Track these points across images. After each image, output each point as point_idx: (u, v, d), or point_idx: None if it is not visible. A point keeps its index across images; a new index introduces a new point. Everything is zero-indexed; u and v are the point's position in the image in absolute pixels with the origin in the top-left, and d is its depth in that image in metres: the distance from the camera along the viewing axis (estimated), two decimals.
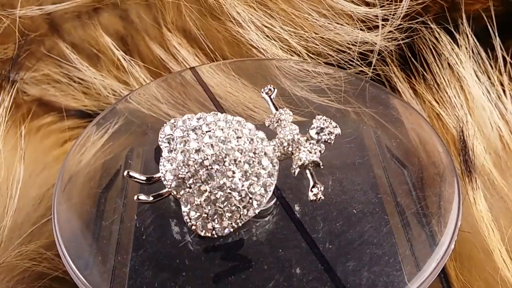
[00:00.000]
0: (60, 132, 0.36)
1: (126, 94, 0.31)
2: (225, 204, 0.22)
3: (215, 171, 0.23)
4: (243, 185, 0.23)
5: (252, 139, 0.24)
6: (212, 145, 0.23)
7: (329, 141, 0.23)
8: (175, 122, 0.24)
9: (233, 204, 0.22)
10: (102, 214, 0.25)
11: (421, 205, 0.25)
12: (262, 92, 0.26)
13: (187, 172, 0.23)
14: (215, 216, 0.22)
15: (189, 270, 0.23)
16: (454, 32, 0.36)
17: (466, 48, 0.35)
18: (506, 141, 0.32)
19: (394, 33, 0.35)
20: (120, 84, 0.37)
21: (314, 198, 0.22)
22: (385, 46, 0.35)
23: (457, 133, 0.32)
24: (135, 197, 0.23)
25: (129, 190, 0.26)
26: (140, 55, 0.38)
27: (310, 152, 0.23)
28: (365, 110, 0.30)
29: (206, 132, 0.24)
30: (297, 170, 0.23)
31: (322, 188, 0.22)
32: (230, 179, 0.23)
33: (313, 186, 0.22)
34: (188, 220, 0.23)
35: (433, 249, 0.23)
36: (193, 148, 0.23)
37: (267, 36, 0.35)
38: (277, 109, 0.25)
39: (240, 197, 0.22)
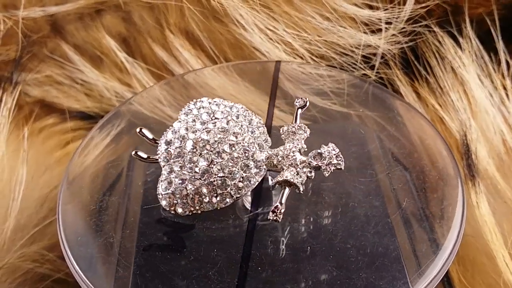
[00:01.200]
0: (62, 133, 0.36)
1: (130, 97, 0.31)
2: (199, 188, 0.23)
3: (205, 153, 0.23)
4: (225, 173, 0.23)
5: (253, 131, 0.24)
6: (210, 131, 0.24)
7: (325, 171, 0.23)
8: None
9: (207, 190, 0.23)
10: (106, 215, 0.25)
11: (424, 209, 0.25)
12: (295, 102, 0.26)
13: (176, 148, 0.23)
14: (183, 198, 0.23)
15: (192, 271, 0.23)
16: (457, 36, 0.36)
17: (469, 51, 0.35)
18: (509, 145, 0.32)
19: (398, 36, 0.35)
20: (122, 86, 0.37)
21: (272, 217, 0.22)
22: (388, 49, 0.35)
23: (460, 137, 0.32)
24: (133, 152, 0.24)
25: (132, 191, 0.26)
26: (143, 57, 0.38)
27: (297, 174, 0.23)
28: (368, 113, 0.30)
29: (214, 119, 0.24)
30: (273, 184, 0.23)
31: (283, 211, 0.22)
32: (215, 164, 0.23)
33: (276, 207, 0.22)
34: (159, 192, 0.23)
35: (436, 253, 0.23)
36: (196, 129, 0.24)
37: (270, 38, 0.35)
38: (296, 122, 0.25)
39: (219, 184, 0.23)
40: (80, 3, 0.36)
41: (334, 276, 0.22)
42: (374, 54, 0.35)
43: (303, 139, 0.24)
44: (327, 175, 0.23)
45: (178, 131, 0.24)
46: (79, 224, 0.25)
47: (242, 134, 0.24)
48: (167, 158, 0.24)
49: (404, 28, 0.35)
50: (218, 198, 0.23)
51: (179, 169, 0.23)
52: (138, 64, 0.37)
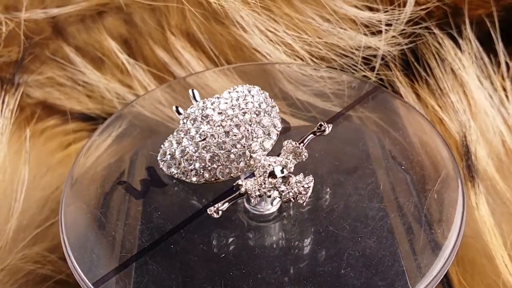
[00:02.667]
0: (64, 135, 0.36)
1: (132, 100, 0.31)
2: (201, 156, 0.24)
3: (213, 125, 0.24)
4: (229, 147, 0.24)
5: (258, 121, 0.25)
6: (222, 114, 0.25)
7: (284, 198, 0.23)
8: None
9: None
10: (107, 217, 0.25)
11: (424, 210, 0.25)
12: (317, 126, 0.25)
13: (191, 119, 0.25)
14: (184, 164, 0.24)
15: (194, 273, 0.23)
16: (457, 37, 0.36)
17: (469, 53, 0.35)
18: (509, 146, 0.33)
19: (398, 38, 0.35)
20: (124, 88, 0.37)
21: (209, 212, 0.23)
22: (389, 51, 0.35)
23: (459, 138, 0.32)
24: (174, 107, 0.26)
25: (133, 193, 0.27)
26: (144, 58, 0.38)
27: (258, 187, 0.23)
28: (368, 114, 0.30)
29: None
30: (235, 185, 0.23)
31: (220, 213, 0.23)
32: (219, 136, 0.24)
33: (217, 206, 0.23)
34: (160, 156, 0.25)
35: (436, 254, 0.23)
36: (207, 113, 0.25)
37: (271, 40, 0.35)
38: (301, 143, 0.25)
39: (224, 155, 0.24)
40: (82, 5, 0.36)
41: (333, 277, 0.23)
42: (375, 56, 0.35)
43: (294, 161, 0.24)
44: (284, 201, 0.23)
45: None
46: (81, 226, 0.25)
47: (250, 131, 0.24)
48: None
49: (404, 30, 0.35)
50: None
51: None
52: (139, 66, 0.37)
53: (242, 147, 0.24)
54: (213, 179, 0.24)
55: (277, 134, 0.25)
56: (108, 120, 0.30)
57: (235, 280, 0.23)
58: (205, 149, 0.24)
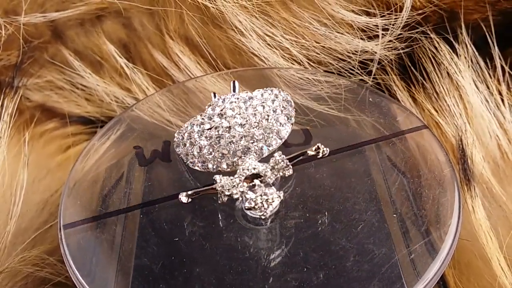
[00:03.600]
0: (63, 138, 0.36)
1: (132, 105, 0.31)
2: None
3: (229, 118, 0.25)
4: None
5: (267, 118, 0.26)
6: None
7: (246, 203, 0.24)
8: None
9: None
10: (105, 220, 0.25)
11: (420, 213, 0.25)
12: (314, 148, 0.26)
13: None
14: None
15: (192, 277, 0.23)
16: (453, 42, 0.36)
17: (465, 57, 0.35)
18: (505, 150, 0.33)
19: (394, 42, 0.35)
20: (122, 91, 0.37)
21: (181, 196, 0.24)
22: (385, 55, 0.35)
23: (456, 142, 0.32)
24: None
25: (132, 196, 0.27)
26: (143, 62, 0.38)
27: (231, 187, 0.24)
28: (365, 118, 0.30)
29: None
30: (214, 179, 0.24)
31: (189, 200, 0.24)
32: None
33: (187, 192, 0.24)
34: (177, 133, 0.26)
35: (432, 257, 0.23)
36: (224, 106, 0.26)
37: (269, 44, 0.35)
38: (290, 161, 0.25)
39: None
40: (81, 9, 0.36)
41: (330, 280, 0.23)
42: (371, 60, 0.35)
43: (276, 174, 0.24)
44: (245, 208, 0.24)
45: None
46: (79, 229, 0.25)
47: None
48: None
49: (400, 34, 0.35)
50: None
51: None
52: (138, 70, 0.37)
53: (237, 145, 0.25)
54: (205, 166, 0.25)
55: (278, 143, 0.25)
56: (107, 125, 0.30)
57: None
58: (206, 138, 0.25)
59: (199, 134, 0.25)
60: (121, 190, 0.27)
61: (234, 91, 0.27)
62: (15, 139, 0.33)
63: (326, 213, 0.25)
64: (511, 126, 0.33)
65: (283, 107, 0.26)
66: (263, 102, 0.26)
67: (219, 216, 0.25)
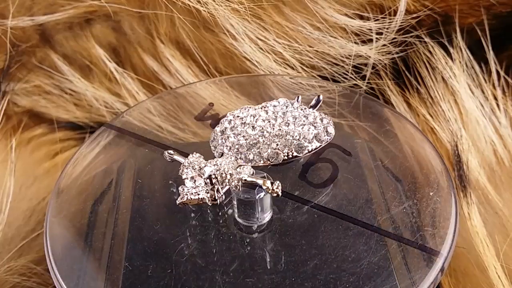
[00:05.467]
0: (51, 144, 0.36)
1: (122, 112, 0.31)
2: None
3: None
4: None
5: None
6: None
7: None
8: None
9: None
10: (94, 228, 0.25)
11: (416, 220, 0.25)
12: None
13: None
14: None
15: (181, 286, 0.23)
16: (448, 46, 0.36)
17: (460, 62, 0.35)
18: (500, 155, 0.32)
19: (388, 46, 0.35)
20: (112, 96, 0.37)
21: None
22: (379, 59, 0.35)
23: (451, 147, 0.32)
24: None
25: (121, 204, 0.26)
26: (133, 67, 0.37)
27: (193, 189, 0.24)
28: (359, 123, 0.30)
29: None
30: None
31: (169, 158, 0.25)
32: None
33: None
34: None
35: (429, 266, 0.23)
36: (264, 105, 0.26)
37: (261, 48, 0.35)
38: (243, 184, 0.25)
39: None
40: (70, 13, 0.36)
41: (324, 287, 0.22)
42: (365, 64, 0.35)
43: (238, 179, 0.24)
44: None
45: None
46: (66, 238, 0.24)
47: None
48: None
49: (395, 38, 0.35)
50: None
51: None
52: (127, 74, 0.37)
53: (253, 147, 0.25)
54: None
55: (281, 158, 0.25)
56: (96, 132, 0.29)
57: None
58: (233, 131, 0.26)
59: (228, 125, 0.26)
60: (110, 197, 0.27)
61: (297, 101, 0.27)
62: (2, 145, 0.33)
63: (319, 221, 0.25)
64: (507, 131, 0.33)
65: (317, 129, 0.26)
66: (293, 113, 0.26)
67: (211, 226, 0.25)
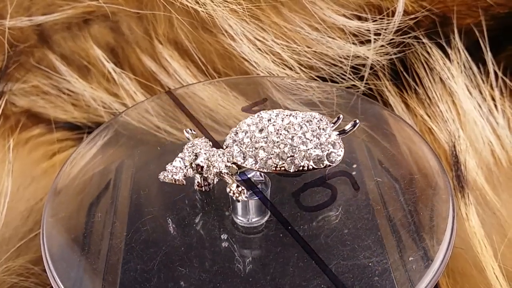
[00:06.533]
0: (49, 144, 0.36)
1: (120, 112, 0.31)
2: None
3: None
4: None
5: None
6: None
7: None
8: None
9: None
10: (92, 229, 0.25)
11: (414, 220, 0.25)
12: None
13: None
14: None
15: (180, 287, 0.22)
16: (446, 47, 0.36)
17: (458, 62, 0.35)
18: (498, 156, 0.32)
19: (386, 47, 0.35)
20: (110, 96, 0.37)
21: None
22: (377, 60, 0.35)
23: (449, 148, 0.32)
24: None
25: (119, 205, 0.26)
26: (131, 67, 0.37)
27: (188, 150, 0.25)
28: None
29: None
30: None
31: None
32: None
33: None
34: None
35: (426, 266, 0.23)
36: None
37: (259, 49, 0.35)
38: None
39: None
40: (68, 13, 0.36)
41: None
42: (363, 65, 0.35)
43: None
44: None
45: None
46: (63, 238, 0.24)
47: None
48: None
49: (393, 39, 0.35)
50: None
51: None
52: (125, 75, 0.37)
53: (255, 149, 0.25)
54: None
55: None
56: (95, 132, 0.29)
57: None
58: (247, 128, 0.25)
59: (244, 127, 0.25)
60: (108, 198, 0.27)
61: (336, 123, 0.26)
62: (0, 145, 0.33)
63: (317, 221, 0.25)
64: (504, 132, 0.33)
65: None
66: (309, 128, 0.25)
67: (208, 227, 0.25)
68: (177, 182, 0.24)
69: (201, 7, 0.33)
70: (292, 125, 0.25)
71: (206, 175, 0.25)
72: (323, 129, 0.25)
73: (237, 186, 0.24)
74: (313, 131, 0.25)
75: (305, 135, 0.25)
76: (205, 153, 0.25)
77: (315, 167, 0.24)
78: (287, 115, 0.25)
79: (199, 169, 0.25)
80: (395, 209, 0.25)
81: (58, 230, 0.25)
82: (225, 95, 0.33)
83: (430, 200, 0.26)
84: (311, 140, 0.24)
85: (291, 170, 0.24)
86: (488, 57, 0.35)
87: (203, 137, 0.26)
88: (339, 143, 0.25)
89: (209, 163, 0.24)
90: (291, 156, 0.24)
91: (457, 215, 0.25)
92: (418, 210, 0.25)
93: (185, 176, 0.24)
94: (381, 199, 0.26)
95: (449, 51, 0.36)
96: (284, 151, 0.24)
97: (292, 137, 0.24)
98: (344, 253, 0.23)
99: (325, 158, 0.24)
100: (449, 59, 0.35)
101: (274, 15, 0.34)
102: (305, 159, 0.24)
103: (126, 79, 0.36)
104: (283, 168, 0.24)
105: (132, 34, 0.37)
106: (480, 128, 0.33)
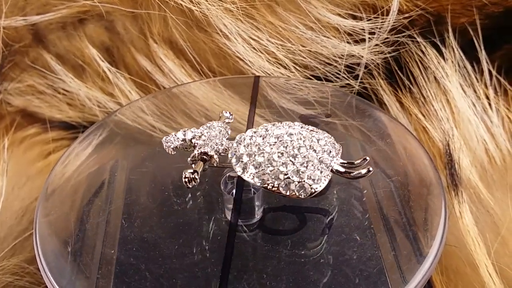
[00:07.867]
0: (44, 143, 0.36)
1: (114, 111, 0.31)
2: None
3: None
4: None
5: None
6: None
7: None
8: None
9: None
10: (86, 228, 0.25)
11: (407, 218, 0.25)
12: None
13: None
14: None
15: (174, 285, 0.23)
16: (440, 46, 0.36)
17: (452, 61, 0.35)
18: (492, 154, 0.33)
19: (381, 46, 0.35)
20: (105, 96, 0.37)
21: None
22: (372, 59, 0.35)
23: (443, 147, 0.32)
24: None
25: (113, 204, 0.26)
26: (126, 66, 0.37)
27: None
28: (352, 123, 0.30)
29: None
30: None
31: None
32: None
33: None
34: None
35: (419, 263, 0.23)
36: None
37: (254, 48, 0.35)
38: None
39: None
40: (63, 12, 0.36)
41: (315, 285, 0.22)
42: (358, 64, 0.35)
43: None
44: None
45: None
46: (57, 237, 0.24)
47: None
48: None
49: (387, 38, 0.35)
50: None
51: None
52: (121, 74, 0.37)
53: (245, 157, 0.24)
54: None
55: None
56: (88, 130, 0.29)
57: None
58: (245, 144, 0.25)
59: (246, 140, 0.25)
60: (103, 197, 0.27)
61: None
62: None
63: (310, 220, 0.25)
64: (498, 131, 0.33)
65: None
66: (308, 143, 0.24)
67: (204, 227, 0.25)
68: (170, 150, 0.26)
69: (195, 6, 0.33)
70: (286, 142, 0.24)
71: (194, 152, 0.25)
72: (317, 152, 0.24)
73: (194, 173, 0.24)
74: (302, 153, 0.24)
75: (293, 157, 0.23)
76: (200, 140, 0.25)
77: (286, 193, 0.23)
78: (287, 133, 0.24)
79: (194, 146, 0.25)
80: (388, 206, 0.25)
81: (52, 229, 0.25)
82: (220, 94, 0.33)
83: (423, 198, 0.26)
84: (294, 163, 0.23)
85: (259, 187, 0.24)
86: (482, 56, 0.35)
87: (222, 122, 0.26)
88: (323, 174, 0.23)
89: (204, 143, 0.25)
90: (260, 174, 0.24)
91: (450, 213, 0.25)
92: (412, 208, 0.25)
93: (176, 147, 0.26)
94: (375, 197, 0.26)
95: (443, 50, 0.36)
96: (263, 167, 0.24)
97: (280, 154, 0.24)
98: (337, 251, 0.24)
99: (298, 187, 0.23)
100: (444, 58, 0.35)
101: (268, 14, 0.34)
102: (276, 180, 0.23)
103: (121, 79, 0.36)
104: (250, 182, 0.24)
105: (127, 34, 0.37)
106: (474, 126, 0.33)
